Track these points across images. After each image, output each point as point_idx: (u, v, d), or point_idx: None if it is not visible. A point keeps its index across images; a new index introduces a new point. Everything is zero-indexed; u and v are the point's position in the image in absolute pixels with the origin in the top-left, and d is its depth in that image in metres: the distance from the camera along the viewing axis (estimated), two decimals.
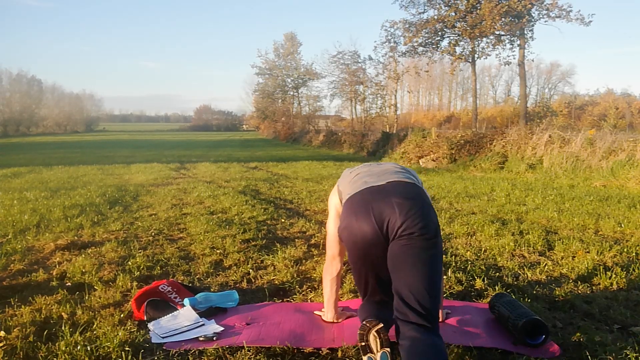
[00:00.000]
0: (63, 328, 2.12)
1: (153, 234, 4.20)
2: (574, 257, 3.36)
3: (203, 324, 2.21)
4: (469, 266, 3.16)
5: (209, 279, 2.95)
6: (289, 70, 37.29)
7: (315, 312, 2.37)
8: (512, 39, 17.60)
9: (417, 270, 1.75)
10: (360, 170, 2.13)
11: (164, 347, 2.00)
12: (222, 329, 2.17)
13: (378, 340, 1.70)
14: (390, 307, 1.84)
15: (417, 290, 1.73)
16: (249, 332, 2.12)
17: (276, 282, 2.91)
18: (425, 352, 1.63)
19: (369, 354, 1.70)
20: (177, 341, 2.05)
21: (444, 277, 2.83)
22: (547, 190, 6.95)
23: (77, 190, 6.87)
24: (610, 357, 1.88)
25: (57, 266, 3.19)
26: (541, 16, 16.94)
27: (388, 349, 1.69)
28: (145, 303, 2.34)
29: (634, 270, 3.01)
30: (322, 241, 3.77)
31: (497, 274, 3.03)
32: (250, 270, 3.09)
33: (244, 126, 72.22)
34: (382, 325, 1.74)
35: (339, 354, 1.93)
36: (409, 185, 1.95)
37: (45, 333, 2.08)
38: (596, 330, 2.14)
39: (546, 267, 3.15)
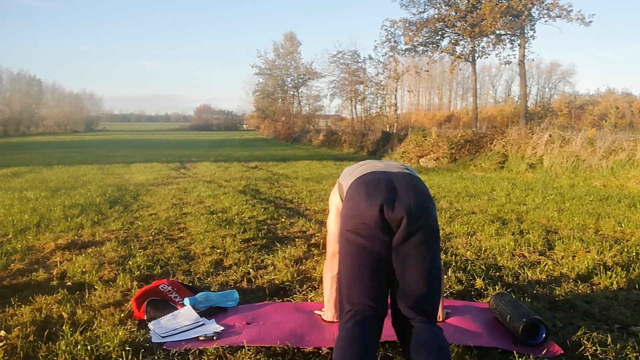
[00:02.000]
0: (63, 327, 2.13)
1: (153, 233, 4.20)
2: (574, 256, 3.36)
3: (203, 324, 2.21)
4: (469, 266, 3.16)
5: (209, 279, 2.95)
6: (288, 70, 37.28)
7: (315, 311, 2.37)
8: (512, 38, 17.61)
9: (420, 266, 1.72)
10: (363, 163, 2.11)
11: (164, 347, 2.00)
12: (223, 328, 2.17)
13: None
14: (374, 323, 1.71)
15: (419, 288, 1.72)
16: (249, 332, 2.12)
17: (276, 281, 2.91)
18: (429, 343, 1.64)
19: None
20: (177, 341, 2.05)
21: (444, 276, 2.82)
22: (547, 190, 6.95)
23: (77, 190, 6.88)
24: (610, 357, 1.88)
25: (58, 266, 3.19)
26: (541, 16, 16.96)
27: None
28: (146, 302, 2.34)
29: (634, 269, 3.01)
30: (322, 241, 3.77)
31: (497, 273, 3.03)
32: (251, 270, 3.09)
33: (244, 126, 72.12)
34: None
35: None
36: (416, 179, 1.94)
37: (45, 332, 2.08)
38: (596, 330, 2.14)
39: (546, 266, 3.15)
